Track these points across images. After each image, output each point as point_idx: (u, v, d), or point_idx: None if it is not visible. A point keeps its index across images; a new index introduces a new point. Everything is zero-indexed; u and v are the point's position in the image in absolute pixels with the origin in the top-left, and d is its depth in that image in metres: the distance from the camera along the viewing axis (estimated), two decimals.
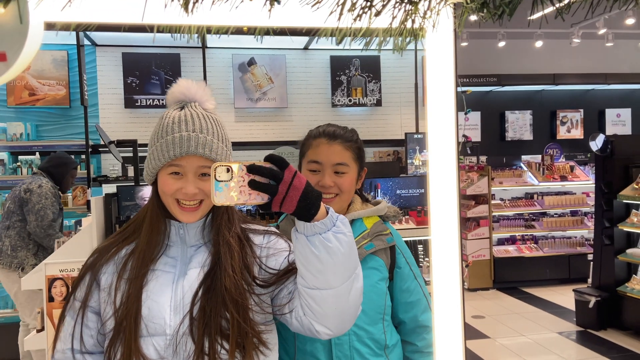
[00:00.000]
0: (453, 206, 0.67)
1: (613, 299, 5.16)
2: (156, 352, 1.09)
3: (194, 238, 1.18)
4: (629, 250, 5.16)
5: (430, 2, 0.61)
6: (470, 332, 5.36)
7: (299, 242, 1.01)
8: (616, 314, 5.17)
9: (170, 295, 1.12)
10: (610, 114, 10.54)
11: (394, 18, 0.62)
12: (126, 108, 6.34)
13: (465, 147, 8.32)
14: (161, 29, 0.69)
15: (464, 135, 8.74)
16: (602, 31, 8.09)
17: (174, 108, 1.16)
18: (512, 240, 7.25)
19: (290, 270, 1.15)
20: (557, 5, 0.62)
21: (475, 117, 10.08)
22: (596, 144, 5.39)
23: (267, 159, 0.97)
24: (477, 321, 5.69)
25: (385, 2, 0.60)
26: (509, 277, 6.95)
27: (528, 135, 10.18)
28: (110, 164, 6.17)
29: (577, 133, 10.28)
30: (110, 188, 5.28)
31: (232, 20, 0.68)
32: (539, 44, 8.83)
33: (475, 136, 9.79)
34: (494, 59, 9.15)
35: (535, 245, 7.20)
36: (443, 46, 0.65)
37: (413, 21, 0.62)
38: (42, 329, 2.58)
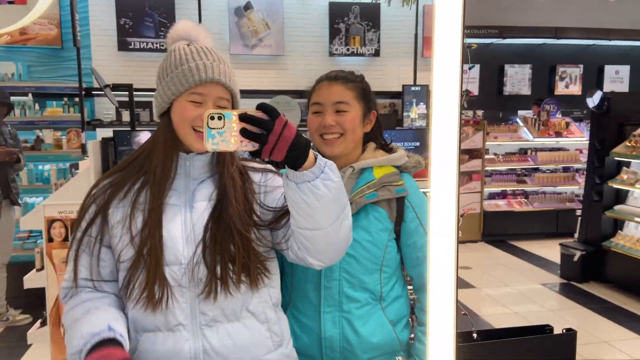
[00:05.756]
0: (453, 161, 0.69)
1: (598, 253, 5.31)
2: (173, 279, 1.15)
3: (198, 171, 1.21)
4: (617, 207, 5.27)
5: None
6: (457, 282, 5.53)
7: (290, 188, 1.07)
8: (599, 268, 5.33)
9: (181, 227, 1.16)
10: (609, 70, 10.47)
11: None
12: (120, 51, 6.21)
13: (462, 101, 8.27)
14: None
15: (465, 90, 8.67)
16: None
17: (182, 44, 1.18)
18: (503, 195, 7.36)
19: (283, 216, 1.21)
20: None
21: (474, 70, 9.97)
22: (593, 101, 5.38)
23: (259, 107, 1.00)
24: (463, 272, 5.86)
25: None
26: (497, 230, 7.10)
27: (526, 90, 10.12)
28: (105, 107, 6.10)
29: (575, 89, 10.23)
30: (104, 132, 5.25)
31: None
32: None
33: (473, 89, 9.73)
34: (497, 10, 8.95)
35: (525, 200, 7.31)
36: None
37: None
38: (42, 268, 2.64)
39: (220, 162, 1.21)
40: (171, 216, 1.17)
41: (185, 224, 1.17)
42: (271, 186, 1.26)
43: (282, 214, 1.21)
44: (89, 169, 2.96)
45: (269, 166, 1.31)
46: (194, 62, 1.14)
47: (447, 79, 0.66)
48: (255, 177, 1.26)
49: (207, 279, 1.15)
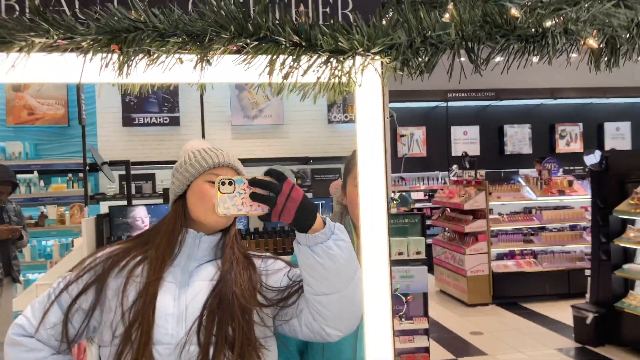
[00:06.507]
0: (382, 217, 0.71)
1: (611, 315, 5.13)
2: (159, 357, 1.13)
3: (202, 252, 1.23)
4: (625, 266, 5.14)
5: (354, 61, 0.65)
6: (468, 349, 5.34)
7: (302, 253, 1.09)
8: (614, 330, 5.13)
9: (172, 305, 1.16)
10: (609, 127, 10.56)
11: (318, 79, 0.66)
12: (124, 126, 6.40)
13: (463, 162, 8.34)
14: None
15: (464, 152, 8.77)
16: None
17: (194, 148, 1.29)
18: (511, 255, 7.23)
19: (291, 294, 1.21)
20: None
21: (474, 131, 10.11)
22: (594, 158, 5.39)
23: (267, 173, 1.05)
24: (475, 337, 5.66)
25: (311, 63, 0.64)
26: (508, 292, 6.92)
27: (527, 149, 10.20)
28: (108, 181, 6.21)
29: (577, 147, 10.30)
30: (107, 206, 5.31)
31: (168, 78, 0.72)
32: (536, 58, 8.85)
33: (474, 150, 9.82)
34: (492, 73, 9.16)
35: (534, 260, 7.17)
36: (371, 99, 0.69)
37: (340, 78, 0.65)
38: None
39: (228, 247, 1.25)
40: (163, 293, 1.16)
41: (178, 301, 1.16)
42: (272, 269, 1.27)
43: (291, 292, 1.21)
44: (82, 246, 2.98)
45: (268, 254, 1.34)
46: (211, 151, 1.26)
47: (371, 173, 0.69)
48: (256, 262, 1.28)
49: (199, 359, 1.12)
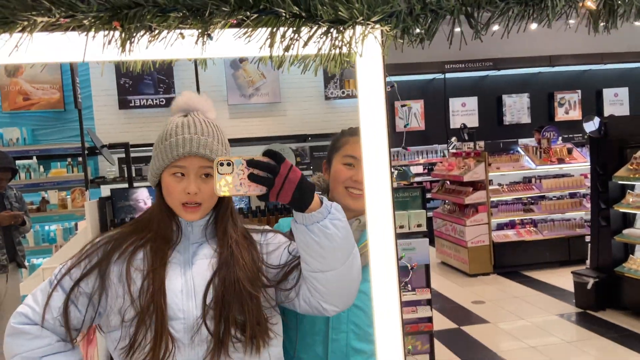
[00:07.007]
0: (387, 195, 0.72)
1: (611, 280, 5.19)
2: (175, 335, 1.15)
3: (196, 235, 1.24)
4: (625, 231, 5.18)
5: (355, 31, 0.65)
6: (471, 318, 5.42)
7: (299, 231, 1.10)
8: (614, 294, 5.20)
9: (181, 282, 1.18)
10: (607, 93, 10.51)
11: (319, 49, 0.66)
12: (120, 109, 6.38)
13: (462, 134, 8.33)
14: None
15: (463, 124, 8.75)
16: None
17: (178, 116, 1.24)
18: (511, 225, 7.28)
19: (290, 271, 1.22)
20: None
21: (472, 102, 10.07)
22: (593, 125, 5.39)
23: (265, 153, 1.06)
24: (477, 306, 5.75)
25: (311, 34, 0.64)
26: (509, 261, 6.99)
27: (526, 119, 10.18)
28: (108, 165, 6.21)
29: (576, 114, 10.27)
30: (108, 189, 5.32)
31: (170, 54, 0.72)
32: (533, 25, 8.76)
33: (473, 121, 9.80)
34: (489, 43, 9.08)
35: (534, 229, 7.23)
36: (372, 69, 0.70)
37: (340, 48, 0.66)
38: None
39: (222, 229, 1.24)
40: (170, 274, 1.19)
41: (185, 279, 1.19)
42: (273, 244, 1.28)
43: (290, 269, 1.23)
44: (86, 229, 3.00)
45: (267, 227, 1.35)
46: (175, 137, 1.18)
47: (373, 142, 0.70)
48: (256, 237, 1.29)
49: (209, 343, 1.15)
